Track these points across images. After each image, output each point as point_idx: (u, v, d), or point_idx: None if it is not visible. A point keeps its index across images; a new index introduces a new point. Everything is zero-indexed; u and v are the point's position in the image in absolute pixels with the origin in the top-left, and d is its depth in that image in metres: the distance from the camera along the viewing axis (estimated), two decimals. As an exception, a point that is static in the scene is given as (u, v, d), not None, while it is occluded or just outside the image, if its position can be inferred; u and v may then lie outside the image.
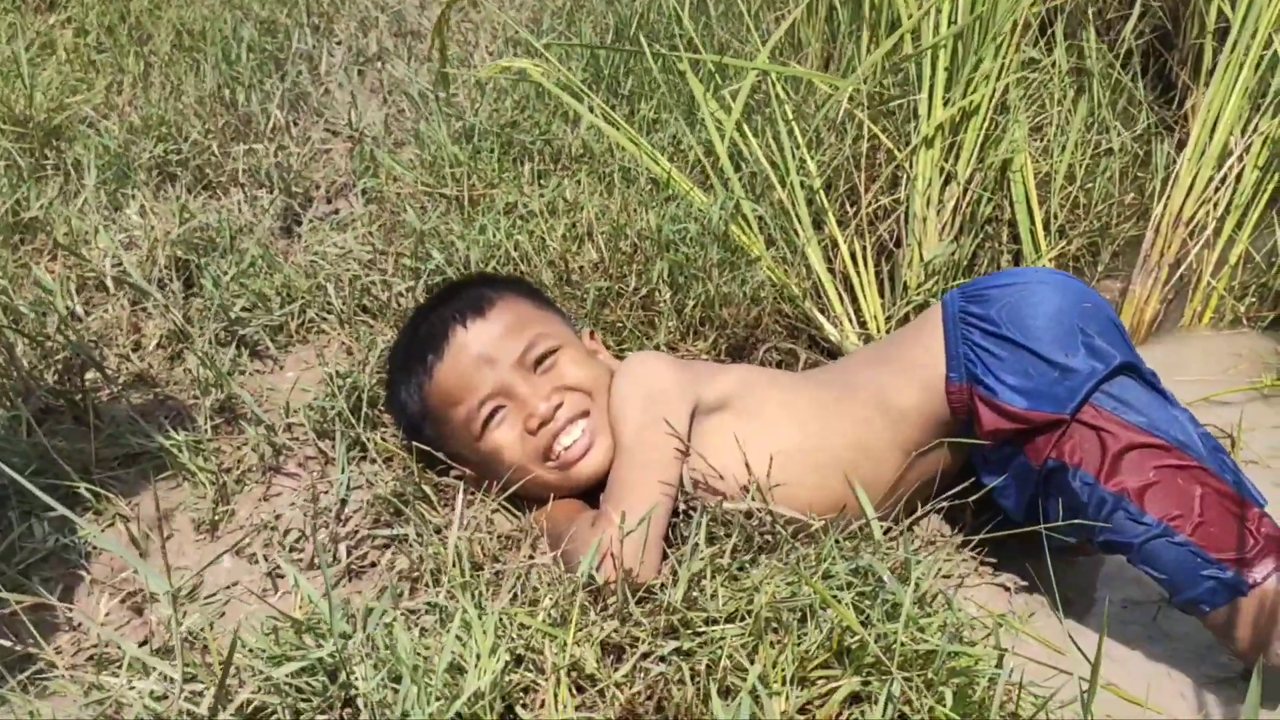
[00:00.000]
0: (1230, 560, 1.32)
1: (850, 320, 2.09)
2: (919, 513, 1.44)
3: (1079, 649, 1.20)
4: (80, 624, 1.37)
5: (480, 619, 1.13)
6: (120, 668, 1.17)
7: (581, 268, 1.92)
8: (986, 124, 2.23)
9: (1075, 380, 1.41)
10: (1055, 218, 2.37)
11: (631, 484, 1.39)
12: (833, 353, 2.04)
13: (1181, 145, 2.31)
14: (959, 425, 1.52)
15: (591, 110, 2.32)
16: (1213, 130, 2.24)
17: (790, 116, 2.22)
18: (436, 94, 2.53)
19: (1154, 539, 1.35)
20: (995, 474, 1.51)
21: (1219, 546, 1.32)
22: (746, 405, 1.51)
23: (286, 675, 1.08)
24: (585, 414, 1.50)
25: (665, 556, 1.37)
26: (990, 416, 1.46)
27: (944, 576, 1.53)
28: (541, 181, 2.25)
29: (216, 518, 1.56)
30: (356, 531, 1.53)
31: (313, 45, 3.15)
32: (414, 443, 1.61)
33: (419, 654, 1.09)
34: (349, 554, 1.49)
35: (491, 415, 1.50)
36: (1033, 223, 2.31)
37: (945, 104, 2.20)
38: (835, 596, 1.20)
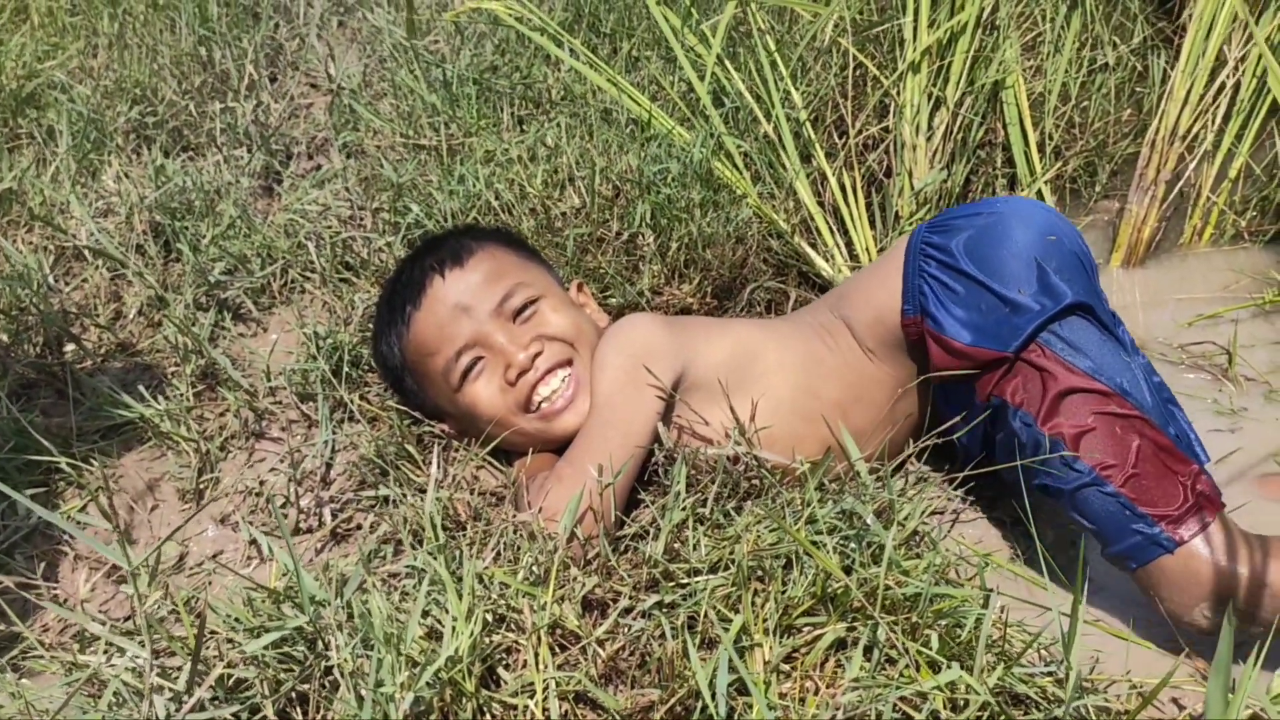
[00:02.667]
0: (1159, 516, 1.28)
1: (841, 253, 2.05)
2: (905, 453, 1.41)
3: (1064, 585, 1.18)
4: (65, 600, 1.37)
5: (456, 582, 1.11)
6: (101, 644, 1.17)
7: (563, 214, 1.88)
8: (975, 45, 2.17)
9: (1023, 318, 1.37)
10: (1050, 139, 2.31)
11: (591, 442, 1.36)
12: (824, 288, 2.01)
13: (1179, 57, 2.24)
14: (924, 360, 1.50)
15: (572, 53, 2.26)
16: (1207, 38, 2.17)
17: (773, 48, 2.17)
18: (410, 42, 2.48)
19: (1085, 487, 1.31)
20: (953, 408, 1.48)
21: (1150, 501, 1.29)
22: (738, 375, 1.47)
23: (264, 647, 1.07)
24: (568, 363, 1.47)
25: (624, 520, 1.34)
26: (937, 352, 1.43)
27: (935, 514, 1.51)
28: (522, 127, 2.20)
29: (201, 486, 1.55)
30: (341, 494, 1.51)
31: (290, -3, 3.09)
32: (397, 399, 1.59)
33: (396, 620, 1.08)
34: (334, 518, 1.48)
35: (470, 366, 1.47)
36: (1027, 145, 2.26)
37: (931, 26, 2.14)
38: (819, 542, 1.18)
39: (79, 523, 1.48)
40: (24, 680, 1.23)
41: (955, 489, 1.55)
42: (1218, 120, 2.20)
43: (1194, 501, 1.28)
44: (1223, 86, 2.19)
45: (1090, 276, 1.43)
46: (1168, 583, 1.28)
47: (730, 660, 1.02)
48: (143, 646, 1.00)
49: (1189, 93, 2.18)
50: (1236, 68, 2.17)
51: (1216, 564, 1.26)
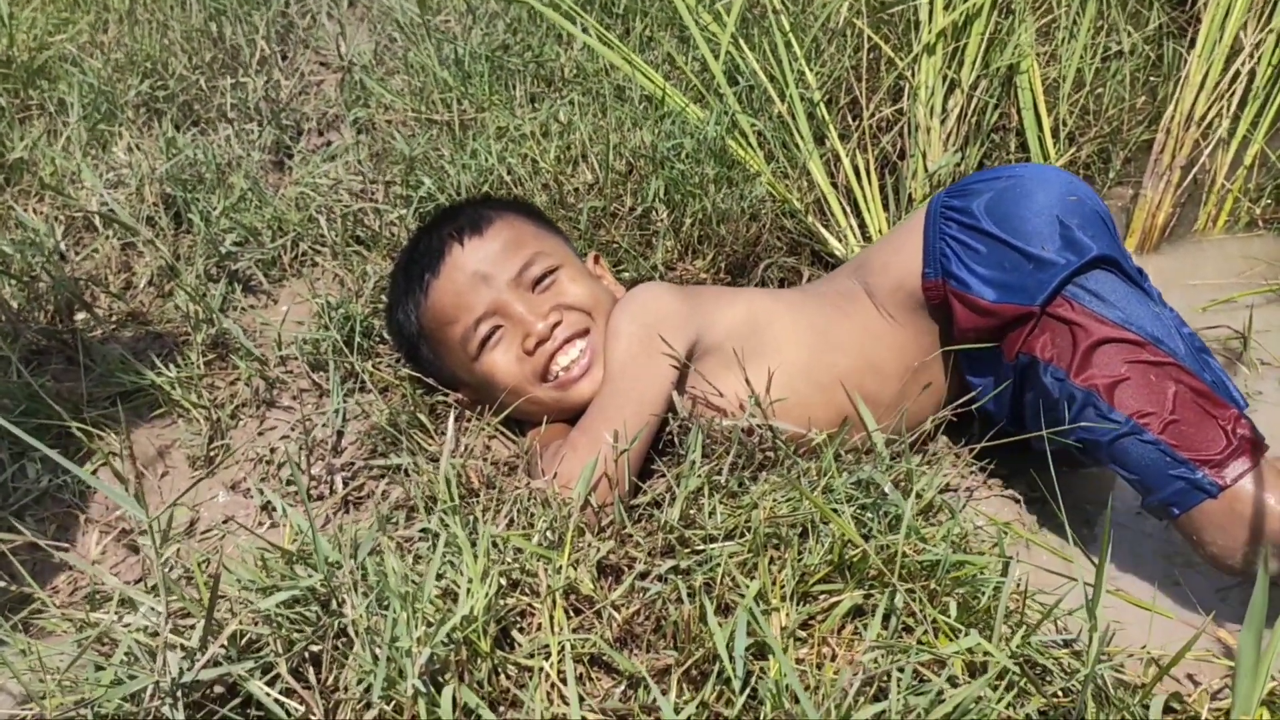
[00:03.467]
0: (1201, 460, 1.27)
1: (854, 234, 2.04)
2: (924, 426, 1.40)
3: (1086, 555, 1.17)
4: (75, 564, 1.36)
5: (471, 545, 1.11)
6: (113, 604, 1.16)
7: (576, 189, 1.88)
8: (990, 28, 2.16)
9: (1048, 273, 1.37)
10: (1064, 124, 2.30)
11: (604, 411, 1.35)
12: (837, 266, 2.00)
13: (1194, 44, 2.23)
14: (946, 328, 1.49)
15: (585, 31, 2.25)
16: (1223, 24, 2.16)
17: (787, 28, 2.16)
18: (423, 18, 2.47)
19: (1123, 437, 1.30)
20: (980, 375, 1.48)
21: (1190, 446, 1.27)
22: (752, 343, 1.46)
23: (276, 605, 1.06)
24: (585, 332, 1.46)
25: (639, 487, 1.33)
26: (963, 312, 1.42)
27: (949, 489, 1.50)
28: (535, 104, 2.19)
29: (211, 453, 1.55)
30: (353, 463, 1.50)
31: (301, -25, 3.08)
32: (411, 368, 1.58)
33: (410, 580, 1.07)
34: (345, 485, 1.47)
35: (488, 335, 1.46)
36: (1041, 129, 2.25)
37: (947, 8, 2.13)
38: (835, 510, 1.17)
39: (89, 488, 1.47)
40: (34, 641, 1.22)
41: (976, 459, 1.53)
42: (1233, 107, 2.19)
43: (1236, 444, 1.27)
44: (1238, 73, 2.18)
45: (1113, 234, 1.43)
46: (1212, 526, 1.27)
47: (748, 623, 1.01)
48: (158, 600, 0.99)
49: (1205, 78, 2.17)
50: (1253, 53, 2.16)
51: (1263, 506, 1.24)
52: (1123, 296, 1.36)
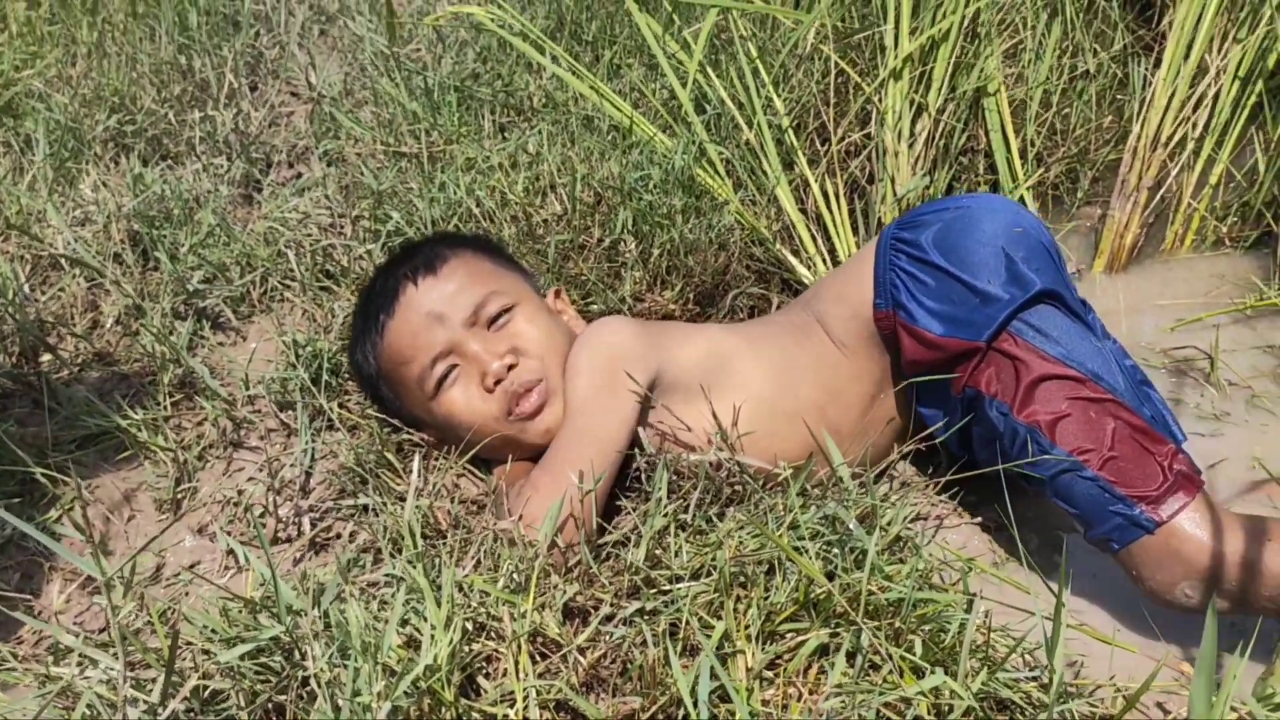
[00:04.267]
0: (1138, 497, 1.29)
1: (824, 261, 2.04)
2: (888, 459, 1.40)
3: (1050, 590, 1.18)
4: (40, 613, 1.35)
5: (435, 590, 1.10)
6: (75, 656, 1.15)
7: (545, 221, 1.87)
8: (956, 52, 2.17)
9: (993, 308, 1.39)
10: (1032, 145, 2.32)
11: (567, 449, 1.34)
12: (806, 295, 2.00)
13: (1159, 65, 2.25)
14: (897, 358, 1.51)
15: (554, 60, 2.26)
16: (1189, 47, 2.18)
17: (755, 55, 2.16)
18: (391, 49, 2.47)
19: (1064, 473, 1.32)
20: (929, 407, 1.49)
21: (1128, 482, 1.30)
22: (714, 377, 1.46)
23: (239, 657, 1.06)
24: (539, 376, 1.46)
25: (602, 525, 1.33)
26: (910, 344, 1.45)
27: (919, 519, 1.50)
28: (504, 134, 2.19)
29: (179, 496, 1.53)
30: (321, 503, 1.50)
31: (271, 5, 3.08)
32: (375, 409, 1.58)
33: (373, 628, 1.07)
34: (313, 527, 1.46)
35: (444, 374, 1.46)
36: (1009, 151, 2.26)
37: (913, 33, 2.14)
38: (801, 548, 1.17)
39: (54, 534, 1.46)
40: (-3, 694, 1.21)
41: (938, 493, 1.54)
42: (1199, 127, 2.20)
43: (1172, 480, 1.29)
44: (1203, 96, 2.19)
45: (1058, 266, 1.45)
46: (1149, 562, 1.29)
47: (712, 667, 1.01)
48: (115, 658, 0.99)
49: (1170, 100, 2.19)
50: (1218, 76, 2.18)
51: (1198, 541, 1.26)
52: (1065, 331, 1.38)
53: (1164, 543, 1.27)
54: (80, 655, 1.09)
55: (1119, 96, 2.47)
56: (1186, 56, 2.18)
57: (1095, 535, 1.33)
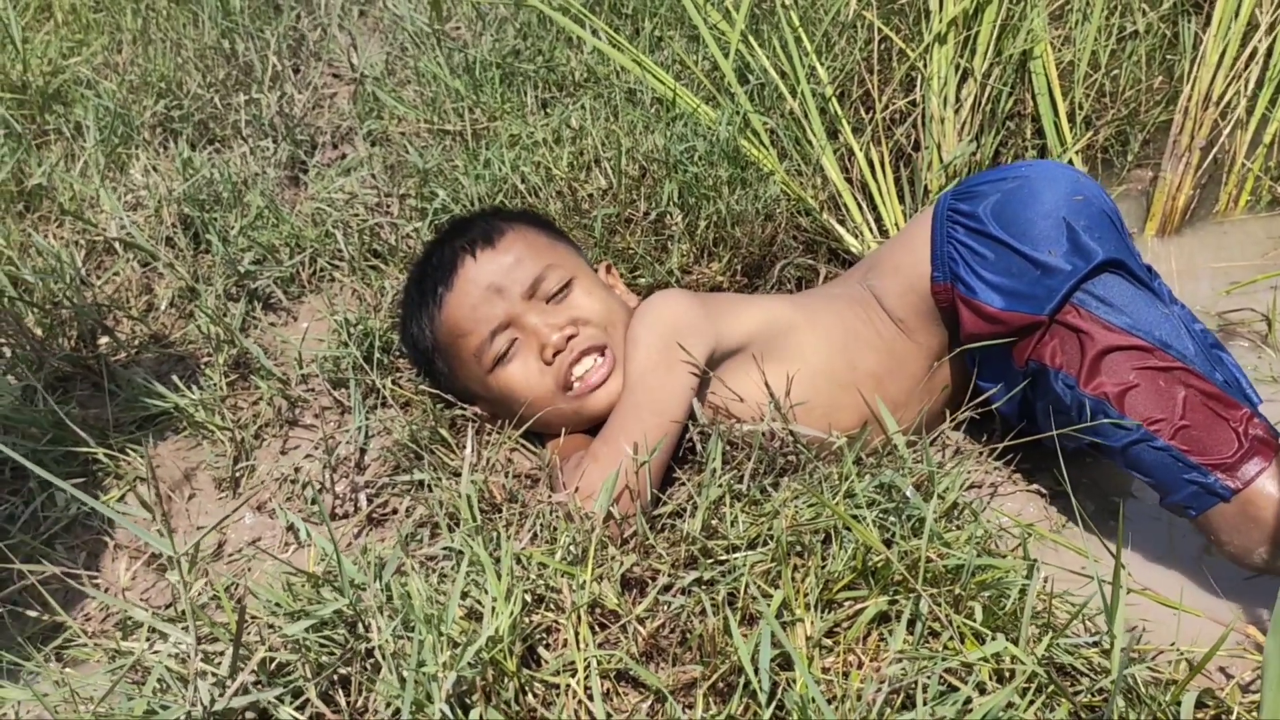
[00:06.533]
0: (1213, 464, 1.27)
1: (871, 229, 2.03)
2: (943, 425, 1.39)
3: (1110, 553, 1.17)
4: (108, 589, 1.38)
5: (495, 563, 1.11)
6: (143, 632, 1.17)
7: (590, 195, 1.88)
8: (1001, 14, 2.14)
9: (1055, 279, 1.36)
10: (1080, 108, 2.28)
11: (625, 421, 1.34)
12: (853, 264, 1.99)
13: (1209, 22, 2.20)
14: (956, 332, 1.49)
15: (595, 34, 2.25)
16: (1239, 2, 2.13)
17: (797, 23, 2.15)
18: (433, 27, 2.47)
19: (1135, 444, 1.30)
20: (990, 380, 1.47)
21: (1202, 450, 1.28)
22: (771, 347, 1.46)
23: (303, 630, 1.07)
24: (601, 348, 1.46)
25: (659, 496, 1.33)
26: (970, 318, 1.42)
27: (973, 487, 1.50)
28: (547, 110, 2.19)
29: (237, 474, 1.56)
30: (376, 479, 1.51)
31: (311, -13, 3.09)
32: (427, 382, 1.59)
33: (435, 601, 1.08)
34: (369, 502, 1.48)
35: (504, 347, 1.46)
36: (1056, 115, 2.23)
37: (957, -3, 2.11)
38: (858, 516, 1.17)
39: (118, 513, 1.48)
40: (68, 670, 1.24)
41: (995, 459, 1.53)
42: (1250, 85, 2.16)
43: (1248, 446, 1.27)
44: (1255, 51, 2.15)
45: (1120, 233, 1.42)
46: (1228, 528, 1.28)
47: (772, 635, 1.01)
48: (186, 632, 1.00)
49: (1221, 58, 2.15)
50: (1270, 30, 2.13)
51: (1277, 507, 1.25)
52: (1130, 300, 1.35)
53: (1240, 509, 1.26)
54: (149, 630, 1.12)
55: (1169, 56, 2.42)
56: (1237, 14, 2.14)
57: (1171, 502, 1.32)
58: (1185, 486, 1.28)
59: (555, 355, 1.44)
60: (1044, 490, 1.53)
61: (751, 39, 2.15)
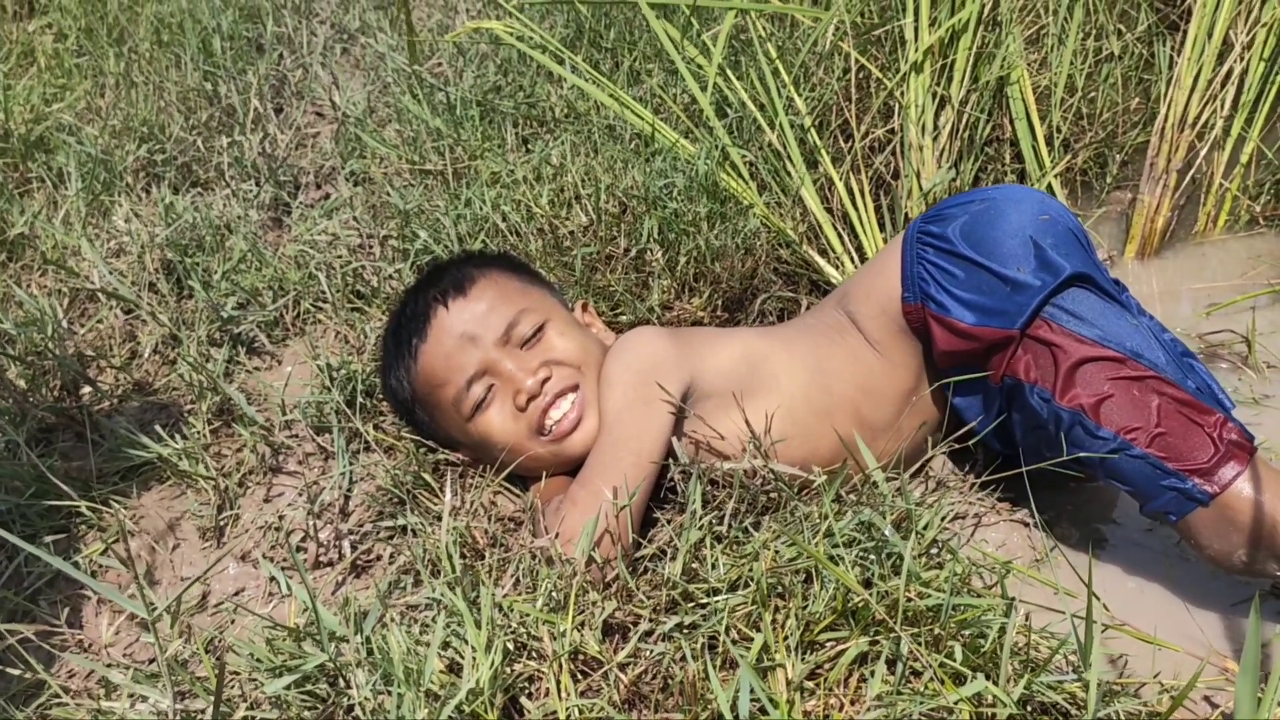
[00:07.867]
0: (1190, 470, 1.28)
1: (852, 259, 2.04)
2: (923, 459, 1.40)
3: (1089, 590, 1.17)
4: (90, 646, 1.38)
5: (475, 612, 1.11)
6: (124, 691, 1.17)
7: (571, 233, 1.88)
8: (977, 41, 2.16)
9: (1025, 295, 1.38)
10: (1058, 131, 2.30)
11: (603, 462, 1.34)
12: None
13: (1184, 44, 2.22)
14: (930, 352, 1.51)
15: (573, 70, 2.26)
16: (1211, 25, 2.15)
17: (774, 56, 2.16)
18: (413, 67, 2.48)
19: (1113, 453, 1.31)
20: (964, 397, 1.49)
21: (1178, 456, 1.29)
22: (749, 382, 1.46)
23: (285, 686, 1.07)
24: (575, 387, 1.47)
25: (639, 538, 1.33)
26: (942, 334, 1.44)
27: (957, 518, 1.50)
28: (528, 147, 2.20)
29: (221, 523, 1.56)
30: (360, 526, 1.51)
31: (293, 27, 3.11)
32: (410, 431, 1.59)
33: (415, 654, 1.08)
34: (353, 549, 1.48)
35: (482, 395, 1.47)
36: (1035, 139, 2.24)
37: (932, 25, 2.13)
38: (837, 556, 1.17)
39: (100, 566, 1.48)
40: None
41: (977, 490, 1.53)
42: (1226, 106, 2.18)
43: (1223, 451, 1.28)
44: (1230, 72, 2.17)
45: (1087, 250, 1.44)
46: (1207, 532, 1.30)
47: (751, 681, 1.01)
48: (163, 694, 1.00)
49: (1196, 79, 2.16)
50: (1243, 54, 2.15)
51: (1254, 509, 1.26)
52: (1100, 313, 1.37)
53: (1219, 513, 1.28)
54: (129, 689, 1.12)
55: (1145, 77, 2.44)
56: (1210, 34, 2.16)
57: (1150, 509, 1.33)
58: (1164, 493, 1.30)
59: (529, 401, 1.44)
60: (1027, 519, 1.53)
61: (729, 72, 2.17)
